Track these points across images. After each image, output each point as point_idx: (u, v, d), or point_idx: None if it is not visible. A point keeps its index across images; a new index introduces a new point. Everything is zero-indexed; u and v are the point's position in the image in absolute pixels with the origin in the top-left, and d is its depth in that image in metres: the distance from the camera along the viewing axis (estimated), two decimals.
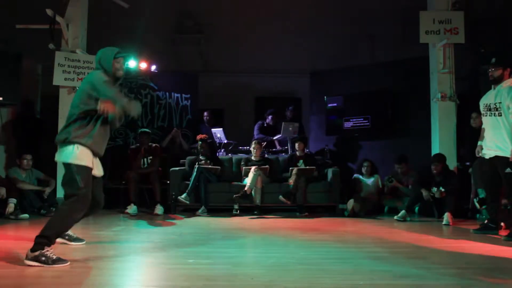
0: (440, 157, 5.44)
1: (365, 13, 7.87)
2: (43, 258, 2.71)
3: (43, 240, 2.78)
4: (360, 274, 2.57)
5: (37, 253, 2.73)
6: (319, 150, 7.67)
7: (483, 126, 4.31)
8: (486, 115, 4.16)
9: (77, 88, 6.16)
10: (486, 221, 4.26)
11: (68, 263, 2.74)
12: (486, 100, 4.19)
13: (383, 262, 2.89)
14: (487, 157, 4.16)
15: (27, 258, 2.73)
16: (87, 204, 2.91)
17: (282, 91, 8.94)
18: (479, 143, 4.35)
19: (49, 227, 2.85)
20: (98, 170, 3.10)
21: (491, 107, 4.08)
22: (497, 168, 4.03)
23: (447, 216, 4.89)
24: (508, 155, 3.88)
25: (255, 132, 7.54)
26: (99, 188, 3.17)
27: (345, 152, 7.85)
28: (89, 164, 2.94)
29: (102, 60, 3.08)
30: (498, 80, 4.07)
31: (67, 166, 2.91)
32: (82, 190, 2.84)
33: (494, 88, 4.12)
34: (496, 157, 4.03)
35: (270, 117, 7.54)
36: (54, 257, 2.75)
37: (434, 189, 5.25)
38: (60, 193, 6.03)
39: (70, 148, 2.90)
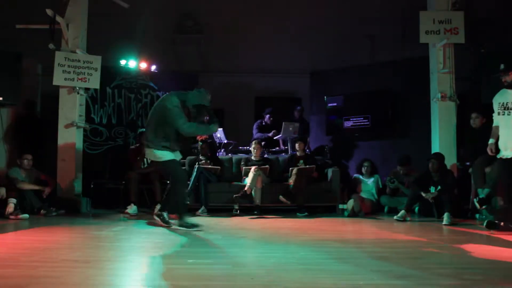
0: (438, 156, 5.44)
1: (365, 13, 7.88)
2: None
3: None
4: (360, 274, 2.57)
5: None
6: (319, 148, 7.68)
7: (494, 124, 4.30)
8: (502, 114, 4.17)
9: (77, 88, 6.25)
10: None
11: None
12: (502, 99, 4.20)
13: (383, 262, 2.88)
14: (507, 157, 4.14)
15: None
16: None
17: (282, 91, 8.95)
18: (490, 141, 4.32)
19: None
20: None
21: (510, 106, 4.09)
22: None
23: (447, 216, 4.89)
24: None
25: (254, 131, 7.57)
26: None
27: (345, 152, 7.86)
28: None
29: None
30: None
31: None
32: None
33: (511, 89, 4.16)
34: None
35: (267, 116, 7.58)
36: None
37: (432, 188, 5.26)
38: (60, 193, 6.04)
39: None
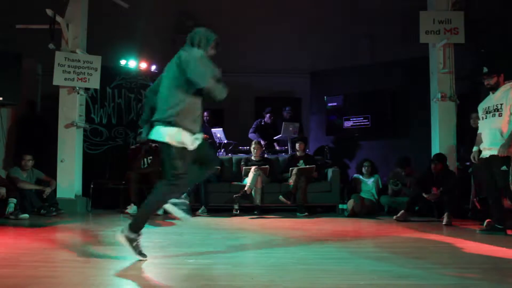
0: (441, 157, 5.45)
1: (365, 13, 7.88)
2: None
3: None
4: (360, 274, 2.57)
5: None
6: (319, 147, 7.68)
7: (479, 131, 4.35)
8: (485, 118, 4.21)
9: (77, 88, 6.25)
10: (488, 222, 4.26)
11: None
12: (486, 104, 4.25)
13: (383, 262, 2.89)
14: (485, 156, 4.19)
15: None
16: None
17: (282, 91, 8.94)
18: (474, 148, 4.37)
19: None
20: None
21: (491, 109, 4.12)
22: (493, 167, 4.05)
23: (447, 216, 4.89)
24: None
25: (251, 130, 7.58)
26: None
27: (345, 152, 7.86)
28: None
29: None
30: (496, 87, 4.17)
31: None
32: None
33: (493, 93, 4.19)
34: (491, 156, 4.07)
35: (267, 115, 7.58)
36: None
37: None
38: (60, 193, 6.04)
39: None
